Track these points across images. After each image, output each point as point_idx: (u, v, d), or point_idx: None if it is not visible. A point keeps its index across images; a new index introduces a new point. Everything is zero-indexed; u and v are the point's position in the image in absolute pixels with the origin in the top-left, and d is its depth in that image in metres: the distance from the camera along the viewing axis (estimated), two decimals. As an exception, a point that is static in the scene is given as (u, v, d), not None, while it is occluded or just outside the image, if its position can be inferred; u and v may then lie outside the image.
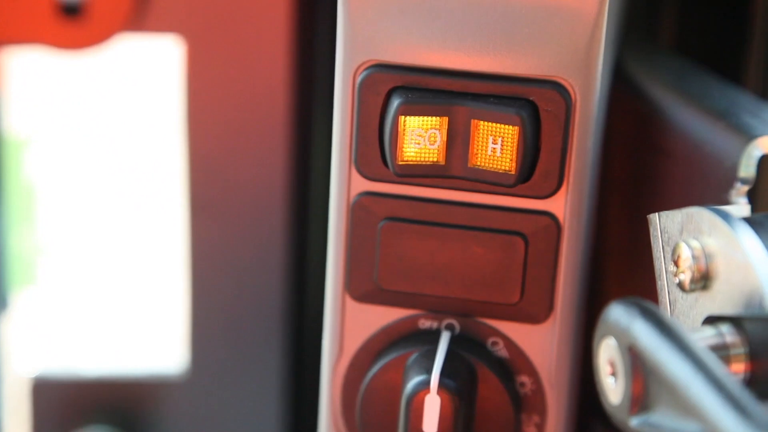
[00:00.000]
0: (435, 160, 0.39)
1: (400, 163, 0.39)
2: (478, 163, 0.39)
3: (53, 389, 0.60)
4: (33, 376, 0.59)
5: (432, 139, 0.39)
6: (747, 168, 0.37)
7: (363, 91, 0.39)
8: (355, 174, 0.41)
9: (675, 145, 0.41)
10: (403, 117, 0.38)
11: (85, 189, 0.58)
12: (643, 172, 0.43)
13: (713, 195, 0.38)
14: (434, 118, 0.38)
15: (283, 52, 0.53)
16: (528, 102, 0.38)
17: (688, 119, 0.41)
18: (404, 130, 0.39)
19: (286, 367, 0.58)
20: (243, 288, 0.57)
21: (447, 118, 0.39)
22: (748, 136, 0.39)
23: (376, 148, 0.40)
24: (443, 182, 0.40)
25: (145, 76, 0.55)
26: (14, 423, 0.61)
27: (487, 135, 0.38)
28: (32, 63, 0.56)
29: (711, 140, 0.40)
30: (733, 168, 0.38)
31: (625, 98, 0.43)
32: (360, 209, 0.41)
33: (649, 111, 0.42)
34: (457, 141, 0.39)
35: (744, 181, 0.37)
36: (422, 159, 0.39)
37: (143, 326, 0.59)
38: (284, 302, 0.57)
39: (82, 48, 0.53)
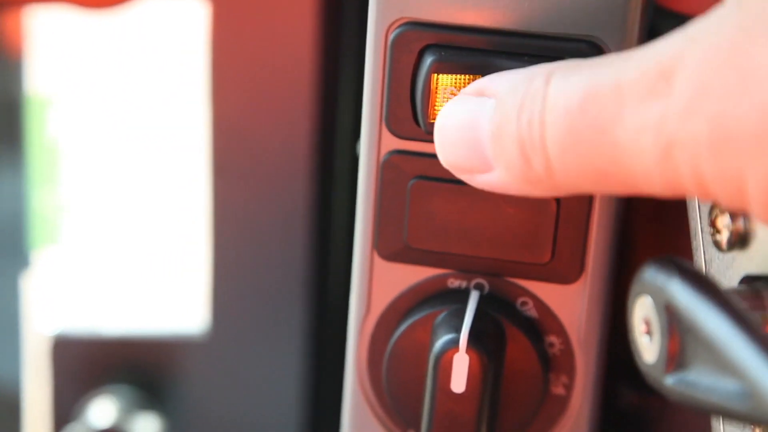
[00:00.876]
0: None
1: (432, 121, 0.39)
2: None
3: (74, 348, 0.60)
4: (54, 334, 0.59)
5: None
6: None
7: (395, 49, 0.39)
8: (385, 132, 0.40)
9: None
10: (435, 75, 0.38)
11: (109, 149, 0.58)
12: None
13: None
14: (467, 76, 0.38)
15: (310, 10, 0.53)
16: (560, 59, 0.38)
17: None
18: (437, 87, 0.38)
19: (309, 326, 0.58)
20: (266, 247, 0.57)
21: (480, 76, 0.38)
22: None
23: (407, 107, 0.40)
24: None
25: (170, 35, 0.55)
26: (35, 381, 0.61)
27: None
28: (57, 21, 0.56)
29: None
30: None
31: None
32: (390, 168, 0.41)
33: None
34: None
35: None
36: None
37: (165, 285, 0.60)
38: (308, 261, 0.57)
39: (107, 6, 0.53)
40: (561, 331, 0.41)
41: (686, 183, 0.31)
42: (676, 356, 0.32)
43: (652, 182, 0.31)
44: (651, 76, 0.31)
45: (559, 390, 0.42)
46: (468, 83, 0.38)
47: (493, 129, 0.34)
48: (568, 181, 0.33)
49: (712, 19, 0.31)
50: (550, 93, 0.33)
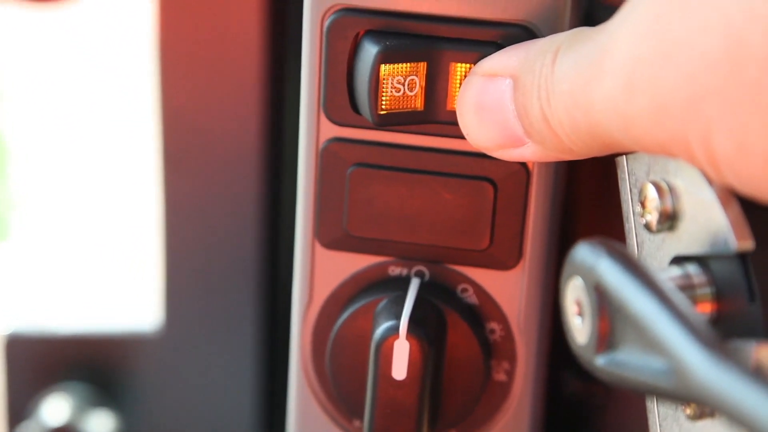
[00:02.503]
0: (414, 106, 0.39)
1: (381, 112, 0.38)
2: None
3: (27, 346, 0.59)
4: (7, 333, 0.59)
5: (411, 85, 0.38)
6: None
7: (331, 36, 0.39)
8: (324, 120, 0.40)
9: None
10: (383, 66, 0.38)
11: (58, 143, 0.57)
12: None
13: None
14: (413, 64, 0.38)
15: (256, 1, 0.53)
16: (498, 45, 0.38)
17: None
18: (384, 78, 0.38)
19: (261, 318, 0.58)
20: (217, 241, 0.57)
21: (425, 63, 0.38)
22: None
23: (344, 94, 0.39)
24: (419, 128, 0.40)
25: (117, 28, 0.55)
26: (-12, 380, 0.61)
27: (464, 78, 0.38)
28: (4, 17, 0.55)
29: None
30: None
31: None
32: (329, 155, 0.41)
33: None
34: (436, 86, 0.38)
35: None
36: (402, 107, 0.39)
37: (117, 282, 0.59)
38: (258, 253, 0.57)
39: (55, 2, 0.53)
40: (501, 318, 0.41)
41: (654, 149, 0.32)
42: (606, 336, 0.32)
43: (636, 150, 0.33)
44: (602, 54, 0.32)
45: (500, 376, 0.42)
46: (414, 71, 0.38)
47: (519, 108, 0.36)
48: (591, 150, 0.34)
49: None
50: (555, 71, 0.34)
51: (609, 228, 0.44)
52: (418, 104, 0.39)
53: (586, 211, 0.45)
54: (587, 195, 0.45)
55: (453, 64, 0.38)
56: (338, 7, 0.39)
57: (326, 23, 0.39)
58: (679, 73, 0.30)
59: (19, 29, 0.55)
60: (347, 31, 0.39)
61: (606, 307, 0.32)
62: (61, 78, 0.56)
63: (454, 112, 0.38)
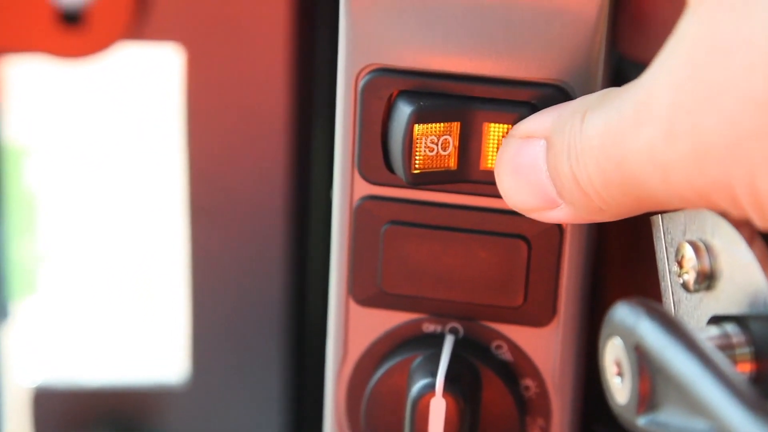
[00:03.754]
0: (448, 165, 0.39)
1: (415, 171, 0.39)
2: (490, 166, 0.39)
3: (54, 399, 0.60)
4: (34, 386, 0.59)
5: (444, 145, 0.39)
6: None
7: (365, 96, 0.39)
8: (357, 178, 0.41)
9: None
10: (417, 125, 0.38)
11: (86, 197, 0.58)
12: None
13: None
14: (446, 123, 0.39)
15: (283, 58, 0.54)
16: (532, 105, 0.38)
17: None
18: (418, 137, 0.38)
19: (288, 372, 0.58)
20: (244, 294, 0.57)
21: (459, 123, 0.39)
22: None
23: (378, 153, 0.40)
24: (453, 187, 0.40)
25: (145, 83, 0.56)
26: (16, 433, 0.61)
27: (497, 138, 0.38)
28: (33, 71, 0.56)
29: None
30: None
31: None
32: (363, 213, 0.41)
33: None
34: (469, 145, 0.39)
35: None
36: (436, 166, 0.39)
37: (144, 334, 0.60)
38: (285, 308, 0.57)
39: (83, 56, 0.53)
40: (536, 374, 0.42)
41: (692, 198, 0.32)
42: (647, 397, 0.32)
43: (671, 202, 0.33)
44: (638, 106, 0.32)
45: (535, 433, 0.42)
46: (447, 131, 0.38)
47: (550, 170, 0.36)
48: (621, 208, 0.34)
49: (674, 40, 0.32)
50: (584, 129, 0.34)
51: (639, 285, 0.44)
52: (452, 163, 0.39)
53: (617, 268, 0.46)
54: (617, 252, 0.45)
55: (486, 124, 0.38)
56: (373, 67, 0.39)
57: (361, 83, 0.39)
58: (722, 117, 0.30)
59: (46, 83, 0.56)
60: (382, 91, 0.39)
61: (646, 368, 0.32)
62: (89, 131, 0.57)
63: (487, 172, 0.39)
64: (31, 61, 0.55)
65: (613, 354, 0.33)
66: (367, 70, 0.39)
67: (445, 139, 0.39)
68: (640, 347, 0.32)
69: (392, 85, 0.39)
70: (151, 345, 0.59)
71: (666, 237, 0.36)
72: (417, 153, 0.38)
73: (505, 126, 0.38)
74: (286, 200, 0.55)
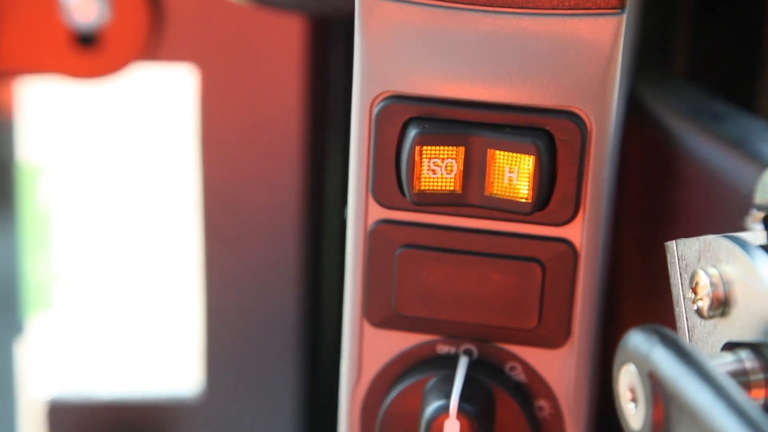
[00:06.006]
0: (452, 188, 0.39)
1: (417, 191, 0.39)
2: (495, 192, 0.39)
3: (69, 412, 0.60)
4: (49, 399, 0.60)
5: (449, 168, 0.39)
6: (763, 195, 0.38)
7: (380, 122, 0.40)
8: (372, 202, 0.41)
9: (690, 174, 0.41)
10: (420, 147, 0.39)
11: (100, 215, 0.58)
12: (659, 200, 0.43)
13: (729, 222, 0.39)
14: (451, 147, 0.39)
15: (297, 82, 0.54)
16: (544, 131, 0.39)
17: (703, 147, 0.41)
18: (421, 159, 0.39)
19: (302, 392, 0.58)
20: (258, 314, 0.57)
21: (464, 148, 0.39)
22: (763, 163, 0.39)
23: (392, 177, 0.40)
24: (460, 210, 0.40)
25: (159, 104, 0.56)
26: (31, 447, 0.61)
27: (503, 164, 0.39)
28: (48, 91, 0.56)
29: (726, 168, 0.40)
30: (749, 195, 0.38)
31: (639, 127, 0.44)
32: (377, 237, 0.41)
33: (664, 140, 0.43)
34: (474, 170, 0.39)
35: (760, 208, 0.38)
36: (439, 187, 0.39)
37: (159, 350, 0.60)
38: (299, 327, 0.57)
39: (98, 77, 0.54)
40: (550, 396, 0.42)
41: None
42: (660, 424, 0.32)
43: None
44: None
45: (549, 453, 0.42)
46: (452, 155, 0.39)
47: None
48: None
49: None
50: None
51: (653, 308, 0.44)
52: (456, 186, 0.39)
53: (630, 292, 0.46)
54: (631, 276, 0.46)
55: (491, 150, 0.39)
56: (387, 95, 0.40)
57: (375, 110, 0.40)
58: None
59: (61, 102, 0.56)
60: (395, 118, 0.39)
61: (660, 395, 0.32)
62: (103, 151, 0.57)
63: (491, 197, 0.39)
64: (47, 82, 0.55)
65: (627, 380, 0.33)
66: (381, 97, 0.40)
67: (449, 163, 0.39)
68: (653, 375, 0.32)
69: (406, 111, 0.39)
70: (166, 359, 0.60)
71: (680, 263, 0.37)
72: (420, 173, 0.39)
73: (509, 153, 0.38)
74: (300, 221, 0.56)
